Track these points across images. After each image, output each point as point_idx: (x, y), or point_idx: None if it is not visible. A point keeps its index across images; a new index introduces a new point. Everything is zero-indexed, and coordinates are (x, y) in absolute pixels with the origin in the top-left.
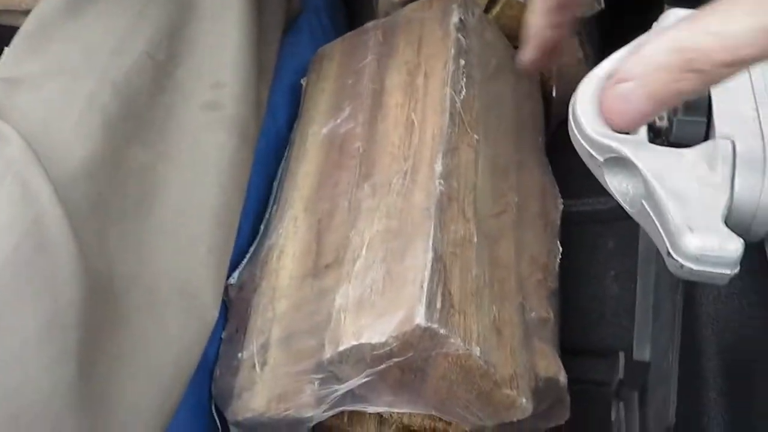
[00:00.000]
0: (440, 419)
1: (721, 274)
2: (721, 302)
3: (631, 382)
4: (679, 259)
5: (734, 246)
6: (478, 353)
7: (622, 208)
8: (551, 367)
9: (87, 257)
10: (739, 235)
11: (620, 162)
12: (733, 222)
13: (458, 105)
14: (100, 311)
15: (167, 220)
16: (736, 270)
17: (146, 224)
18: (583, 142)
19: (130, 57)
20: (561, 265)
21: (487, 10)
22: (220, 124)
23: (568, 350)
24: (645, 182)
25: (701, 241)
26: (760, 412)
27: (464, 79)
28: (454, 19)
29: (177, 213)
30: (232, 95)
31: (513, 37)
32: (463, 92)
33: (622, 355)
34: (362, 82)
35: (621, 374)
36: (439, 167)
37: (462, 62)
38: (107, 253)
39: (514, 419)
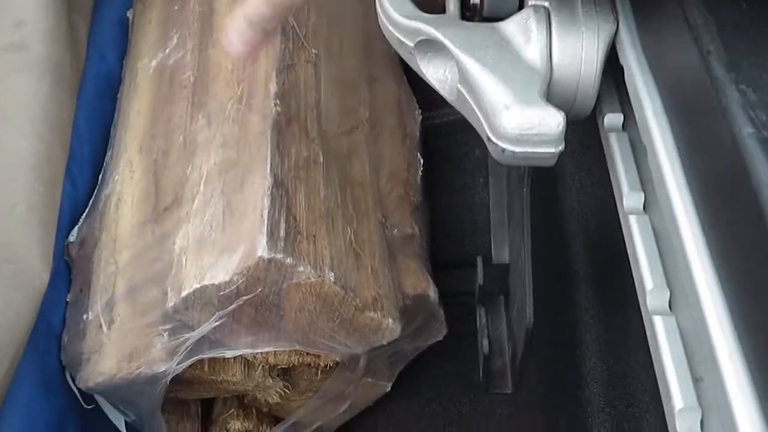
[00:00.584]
0: (307, 353)
1: (545, 153)
2: (585, 194)
3: (491, 286)
4: (499, 143)
5: (554, 120)
6: (332, 279)
7: None
8: (420, 283)
9: None
10: (567, 111)
11: (432, 45)
12: (557, 97)
13: (291, 19)
14: None
15: None
16: (561, 147)
17: None
18: (390, 27)
19: None
20: (428, 178)
21: None
22: (28, 67)
23: (443, 264)
24: (458, 63)
25: (518, 119)
26: (630, 301)
27: None
28: None
29: None
30: (38, 34)
31: None
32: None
33: (480, 260)
34: (188, 6)
35: (480, 279)
36: (273, 87)
37: None
38: None
39: (384, 342)
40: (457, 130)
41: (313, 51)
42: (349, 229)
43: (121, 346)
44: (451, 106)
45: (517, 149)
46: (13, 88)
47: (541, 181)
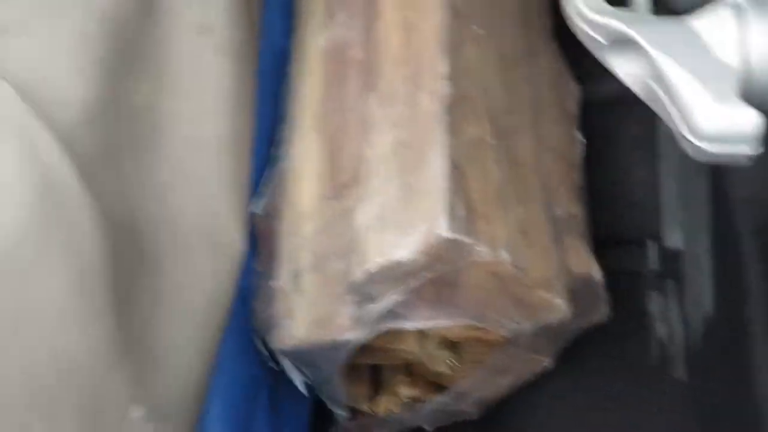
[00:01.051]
0: (478, 328)
1: (742, 153)
2: (758, 184)
3: (666, 271)
4: (695, 141)
5: (752, 120)
6: (507, 258)
7: None
8: (584, 263)
9: (106, 205)
10: (763, 106)
11: (624, 42)
12: (753, 92)
13: None
14: (128, 259)
15: (179, 155)
16: (758, 147)
17: (159, 162)
18: (581, 23)
19: None
20: (585, 156)
21: None
22: (216, 48)
23: (599, 242)
24: (651, 61)
25: (715, 119)
26: None
27: None
28: None
29: (188, 147)
30: (222, 17)
31: None
32: None
33: (652, 244)
34: None
35: (656, 264)
36: (442, 67)
37: None
38: (126, 198)
39: (553, 320)
40: (610, 104)
41: (479, 31)
42: (520, 209)
43: (310, 313)
44: (606, 82)
45: (713, 148)
46: (206, 69)
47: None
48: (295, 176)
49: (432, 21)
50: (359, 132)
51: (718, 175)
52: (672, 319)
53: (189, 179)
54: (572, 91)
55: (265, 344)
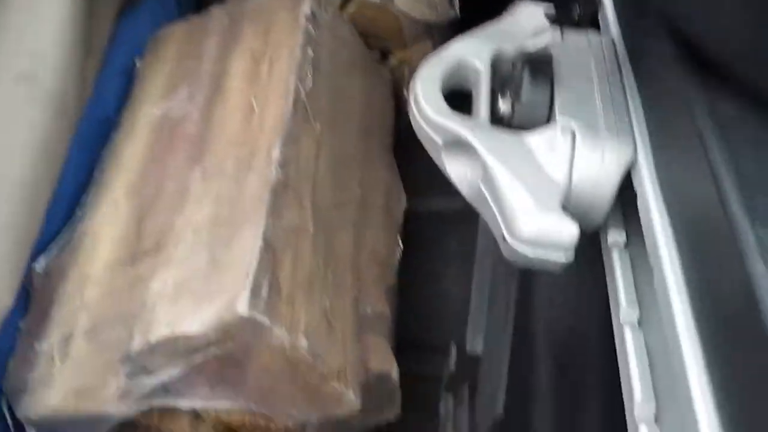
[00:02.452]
0: (261, 415)
1: (555, 259)
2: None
3: (461, 375)
4: (514, 244)
5: (570, 230)
6: (304, 345)
7: (467, 210)
8: (385, 362)
9: None
10: (578, 222)
11: (460, 145)
12: (572, 207)
13: (302, 94)
14: None
15: None
16: (571, 256)
17: None
18: (422, 123)
19: None
20: (402, 262)
21: (342, 7)
22: (35, 99)
23: (405, 345)
24: (484, 165)
25: (537, 223)
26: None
27: (311, 70)
28: (305, 9)
29: None
30: (50, 67)
31: (367, 36)
32: (309, 82)
33: (453, 347)
34: (203, 66)
35: (452, 367)
36: (276, 154)
37: (310, 52)
38: None
39: (342, 413)
40: (435, 220)
41: (318, 126)
42: (326, 299)
43: (72, 381)
44: (434, 197)
45: (531, 252)
46: (19, 117)
47: (518, 274)
48: (92, 239)
49: (275, 111)
50: (174, 202)
51: (524, 282)
52: (462, 423)
53: None
54: (400, 201)
55: (12, 412)
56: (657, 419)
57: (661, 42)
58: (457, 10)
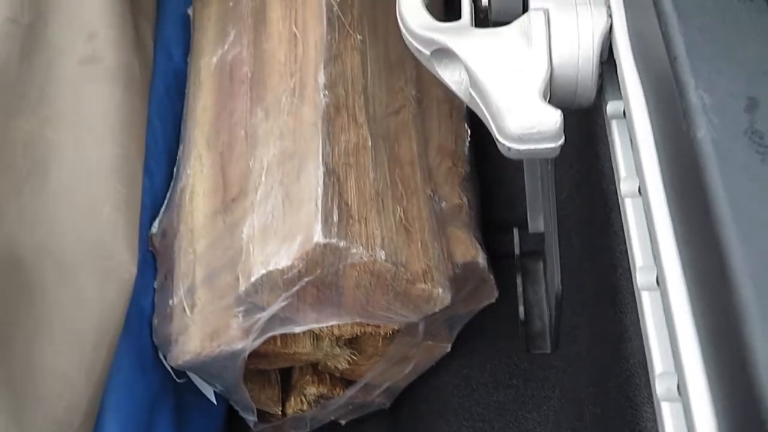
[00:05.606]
0: (368, 324)
1: (546, 148)
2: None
3: (527, 253)
4: (505, 142)
5: (552, 119)
6: (383, 257)
7: None
8: (469, 251)
9: None
10: (568, 105)
11: (447, 52)
12: (559, 88)
13: (335, 8)
14: (9, 289)
15: (65, 184)
16: (561, 141)
17: (44, 192)
18: (408, 36)
19: None
20: (476, 148)
21: None
22: (102, 77)
23: (494, 229)
24: (467, 70)
25: (519, 120)
26: None
27: None
28: None
29: (74, 175)
30: (109, 44)
31: None
32: None
33: (516, 230)
34: (242, 2)
35: (517, 248)
36: (322, 78)
37: None
38: (7, 232)
39: (436, 310)
40: None
41: (359, 37)
42: (398, 207)
43: (203, 327)
44: None
45: (521, 147)
46: (92, 98)
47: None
48: (190, 194)
49: (314, 33)
50: (247, 147)
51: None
52: (540, 298)
53: (76, 207)
54: None
55: (166, 359)
56: (659, 284)
57: None
58: None
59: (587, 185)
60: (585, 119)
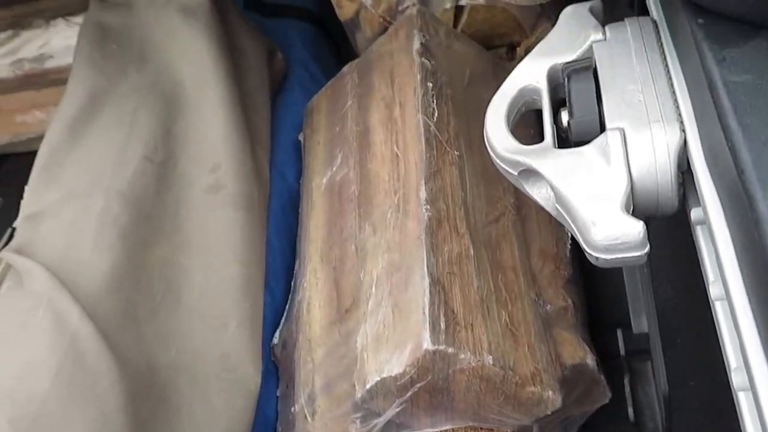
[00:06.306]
0: (482, 428)
1: (633, 256)
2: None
3: (633, 354)
4: (593, 253)
5: (635, 230)
6: (491, 361)
7: None
8: (577, 352)
9: (126, 361)
10: (652, 214)
11: (533, 172)
12: (641, 201)
13: (432, 128)
14: (147, 406)
15: (195, 305)
16: (646, 249)
17: (177, 313)
18: (497, 160)
19: (131, 165)
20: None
21: (455, 23)
22: (225, 204)
23: (603, 328)
24: (552, 188)
25: (604, 232)
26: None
27: (435, 101)
28: (416, 44)
29: (203, 296)
30: (230, 173)
31: (489, 38)
32: (436, 114)
33: (619, 331)
34: (347, 127)
35: (622, 349)
36: (423, 194)
37: (430, 85)
38: (146, 351)
39: (548, 412)
40: None
41: (456, 153)
42: (503, 312)
43: None
44: None
45: (608, 257)
46: (218, 224)
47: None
48: (307, 306)
49: (414, 152)
50: (357, 260)
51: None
52: (651, 399)
53: (205, 324)
54: None
55: None
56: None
57: (689, 13)
58: None
59: (688, 286)
60: (679, 224)
